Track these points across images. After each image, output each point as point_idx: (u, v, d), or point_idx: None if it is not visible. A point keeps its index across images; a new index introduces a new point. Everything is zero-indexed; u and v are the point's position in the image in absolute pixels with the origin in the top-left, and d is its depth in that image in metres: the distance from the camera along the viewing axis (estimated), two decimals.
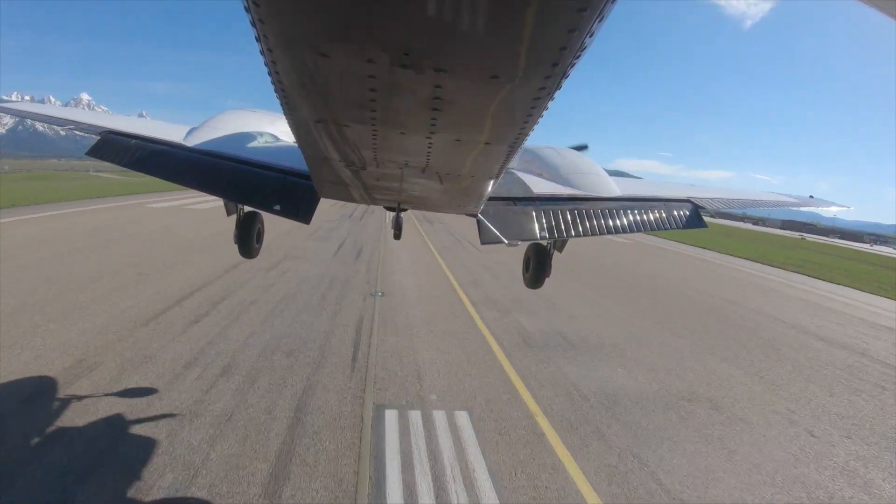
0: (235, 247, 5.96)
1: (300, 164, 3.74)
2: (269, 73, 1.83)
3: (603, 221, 4.91)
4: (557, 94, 1.79)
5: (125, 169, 5.32)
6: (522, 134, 2.14)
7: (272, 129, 5.48)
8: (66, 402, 6.83)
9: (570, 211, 4.88)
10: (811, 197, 6.74)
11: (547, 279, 6.04)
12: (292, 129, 2.63)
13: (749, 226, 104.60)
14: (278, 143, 5.21)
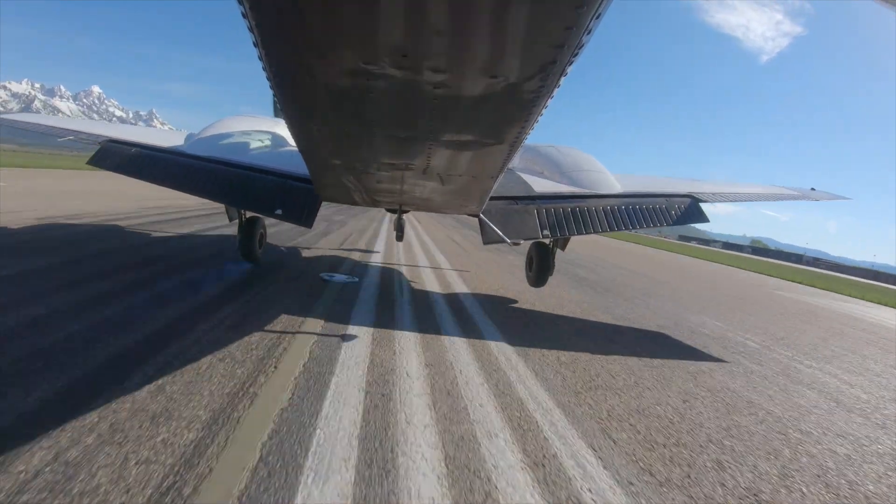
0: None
1: (301, 167, 3.72)
2: (268, 79, 1.81)
3: (605, 218, 4.84)
4: (557, 92, 1.79)
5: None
6: (523, 133, 2.11)
7: (271, 134, 5.48)
8: None
9: (571, 209, 4.81)
10: (812, 189, 6.70)
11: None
12: (293, 135, 2.62)
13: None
14: (278, 148, 5.20)
